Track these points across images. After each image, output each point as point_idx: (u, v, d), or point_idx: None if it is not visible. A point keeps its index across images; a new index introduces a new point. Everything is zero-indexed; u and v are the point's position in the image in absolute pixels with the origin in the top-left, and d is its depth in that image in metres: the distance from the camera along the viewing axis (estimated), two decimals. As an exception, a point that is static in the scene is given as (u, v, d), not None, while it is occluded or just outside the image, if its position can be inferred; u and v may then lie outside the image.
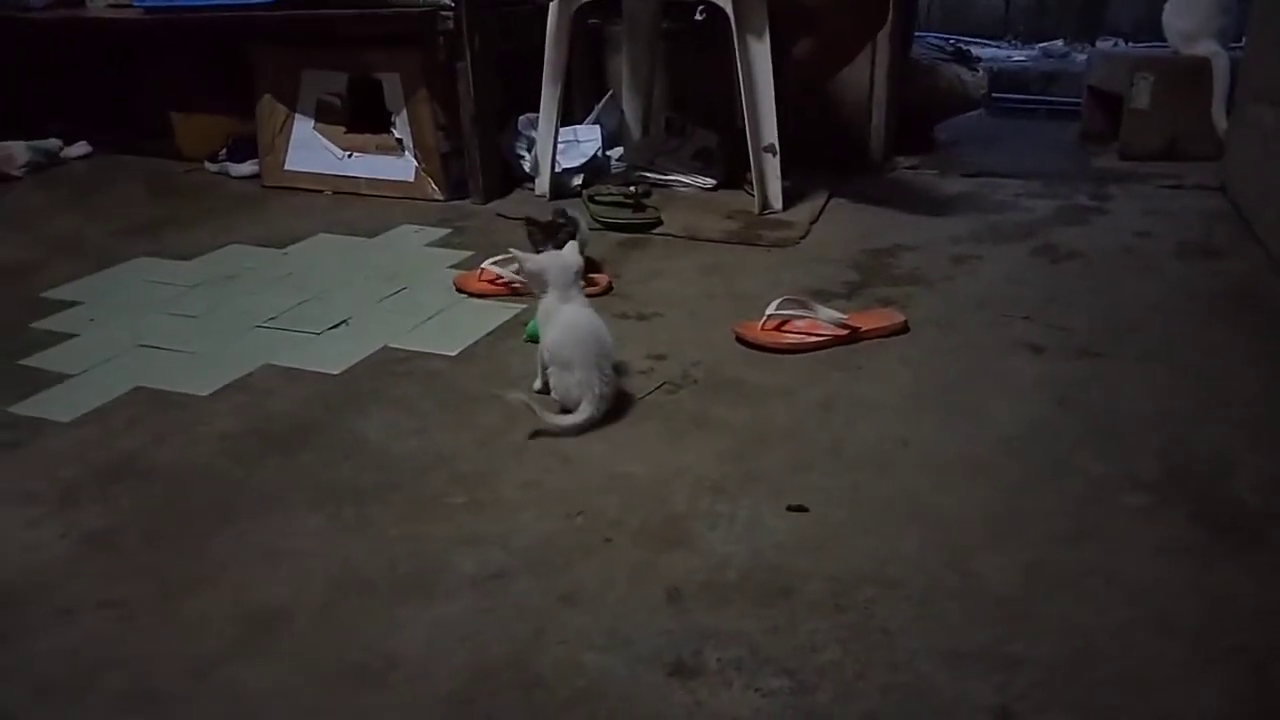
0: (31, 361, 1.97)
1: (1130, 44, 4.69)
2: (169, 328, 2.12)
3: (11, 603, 1.29)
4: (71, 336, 2.08)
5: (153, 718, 1.10)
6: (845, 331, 1.94)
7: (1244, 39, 3.00)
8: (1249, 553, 1.33)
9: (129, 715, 1.10)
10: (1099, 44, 4.68)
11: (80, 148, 3.64)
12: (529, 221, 2.19)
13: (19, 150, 3.43)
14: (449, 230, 2.72)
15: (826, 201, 2.88)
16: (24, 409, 1.78)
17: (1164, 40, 3.45)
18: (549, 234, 2.11)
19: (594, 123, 3.20)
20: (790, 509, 1.43)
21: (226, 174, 3.33)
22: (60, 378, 1.90)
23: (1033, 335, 1.98)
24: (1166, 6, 3.37)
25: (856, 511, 1.43)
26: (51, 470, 1.59)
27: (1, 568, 1.36)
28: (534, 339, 1.83)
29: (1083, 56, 4.63)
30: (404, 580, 1.31)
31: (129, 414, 1.76)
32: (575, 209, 2.37)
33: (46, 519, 1.46)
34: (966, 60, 3.69)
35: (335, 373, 1.89)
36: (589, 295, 2.20)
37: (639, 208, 2.74)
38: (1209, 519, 1.39)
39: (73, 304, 2.26)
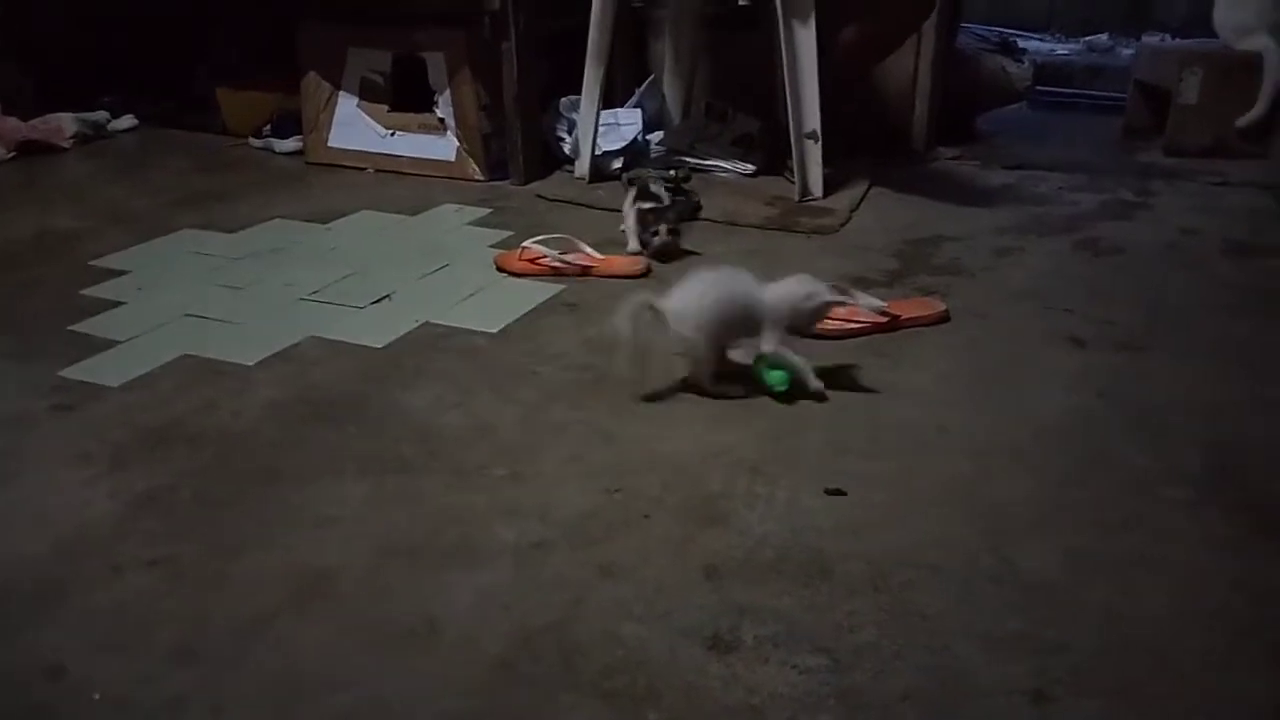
0: (81, 327, 2.00)
1: (1177, 39, 4.62)
2: (215, 298, 2.15)
3: (66, 558, 1.32)
4: (120, 304, 2.12)
5: (202, 673, 1.13)
6: (885, 319, 1.94)
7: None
8: (1291, 548, 1.32)
9: (179, 670, 1.13)
10: (1145, 38, 4.62)
11: (127, 120, 3.68)
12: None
13: (67, 122, 3.48)
14: (489, 210, 2.74)
15: (867, 190, 2.86)
16: (75, 373, 1.81)
17: (1211, 35, 3.40)
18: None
19: (635, 106, 3.20)
20: (828, 492, 1.44)
21: (271, 150, 3.36)
22: (109, 344, 1.93)
23: (1074, 328, 1.97)
24: (1219, 0, 3.32)
25: (895, 496, 1.44)
26: (102, 433, 1.62)
27: (56, 525, 1.39)
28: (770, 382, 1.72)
29: (1128, 51, 4.57)
30: (447, 548, 1.33)
31: (176, 381, 1.79)
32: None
33: (98, 480, 1.49)
34: (1012, 51, 3.65)
35: (378, 346, 1.91)
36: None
37: (678, 192, 2.74)
38: (1251, 513, 1.39)
39: (121, 273, 2.30)
